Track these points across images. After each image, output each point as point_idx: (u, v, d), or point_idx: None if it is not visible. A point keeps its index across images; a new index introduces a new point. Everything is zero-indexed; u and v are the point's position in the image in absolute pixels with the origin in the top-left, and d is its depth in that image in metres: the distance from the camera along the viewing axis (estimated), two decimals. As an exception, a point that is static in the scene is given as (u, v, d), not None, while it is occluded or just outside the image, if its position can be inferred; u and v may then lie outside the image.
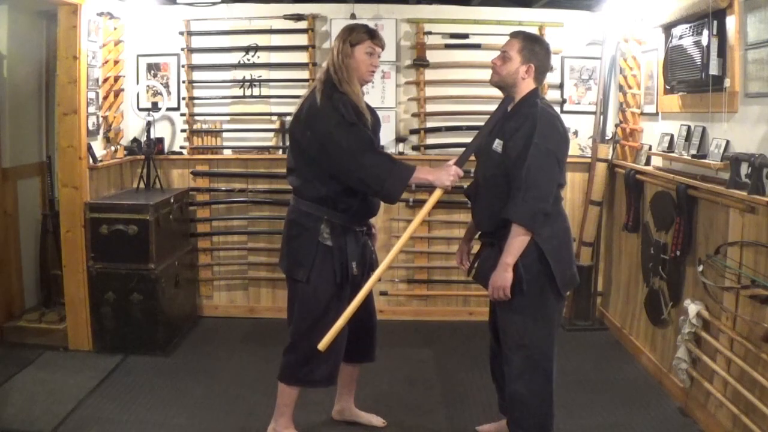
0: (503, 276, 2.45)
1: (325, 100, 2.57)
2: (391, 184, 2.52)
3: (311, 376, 2.72)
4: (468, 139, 4.26)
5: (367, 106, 2.73)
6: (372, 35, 2.66)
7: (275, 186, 4.48)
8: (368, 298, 2.84)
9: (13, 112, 4.11)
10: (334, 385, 2.85)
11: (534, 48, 2.55)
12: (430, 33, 4.41)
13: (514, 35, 2.59)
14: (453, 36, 4.43)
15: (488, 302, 2.71)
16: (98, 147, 4.05)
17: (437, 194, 2.59)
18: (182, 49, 4.44)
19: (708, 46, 2.96)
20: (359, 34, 2.64)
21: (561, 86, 4.47)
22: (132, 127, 4.48)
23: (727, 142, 2.92)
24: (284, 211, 2.96)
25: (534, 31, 4.17)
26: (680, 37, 3.25)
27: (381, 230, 4.51)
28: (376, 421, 3.08)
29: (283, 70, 4.45)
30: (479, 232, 2.77)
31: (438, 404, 3.33)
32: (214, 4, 4.41)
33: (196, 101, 4.49)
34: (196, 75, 4.48)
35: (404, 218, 4.53)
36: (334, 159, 2.56)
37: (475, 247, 2.86)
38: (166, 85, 4.48)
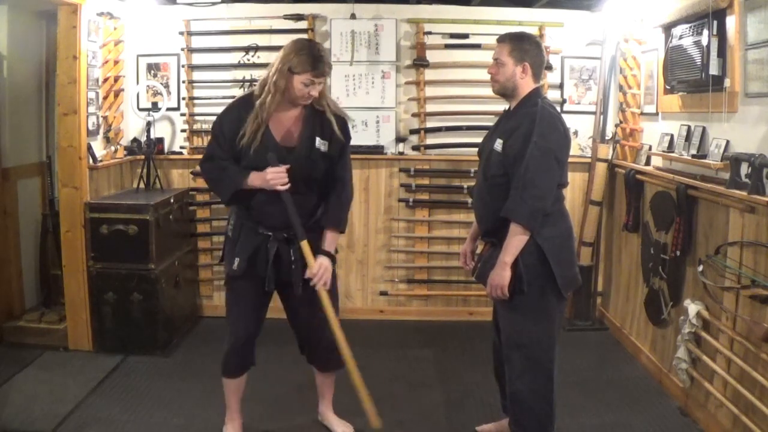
0: (501, 275, 2.45)
1: (231, 103, 2.70)
2: (223, 188, 2.64)
3: (224, 365, 2.85)
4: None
5: (306, 119, 2.61)
6: (315, 66, 2.46)
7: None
8: (308, 311, 2.76)
9: (13, 112, 4.11)
10: (239, 375, 2.89)
11: (523, 46, 2.54)
12: (430, 33, 4.41)
13: (500, 40, 2.59)
14: (453, 36, 4.43)
15: (491, 301, 2.71)
16: (98, 147, 4.05)
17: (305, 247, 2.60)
18: (182, 49, 4.45)
19: (708, 46, 2.96)
20: (302, 64, 2.46)
21: (561, 86, 4.47)
22: (132, 127, 4.48)
23: (727, 142, 2.92)
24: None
25: (534, 31, 4.17)
26: (680, 37, 3.25)
27: (381, 230, 4.54)
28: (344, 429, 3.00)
29: (283, 70, 4.45)
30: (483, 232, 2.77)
31: (438, 404, 3.33)
32: (214, 4, 4.42)
33: (196, 101, 4.49)
34: (196, 75, 4.48)
35: (404, 218, 4.53)
36: None
37: (479, 247, 2.86)
38: (166, 85, 4.48)
